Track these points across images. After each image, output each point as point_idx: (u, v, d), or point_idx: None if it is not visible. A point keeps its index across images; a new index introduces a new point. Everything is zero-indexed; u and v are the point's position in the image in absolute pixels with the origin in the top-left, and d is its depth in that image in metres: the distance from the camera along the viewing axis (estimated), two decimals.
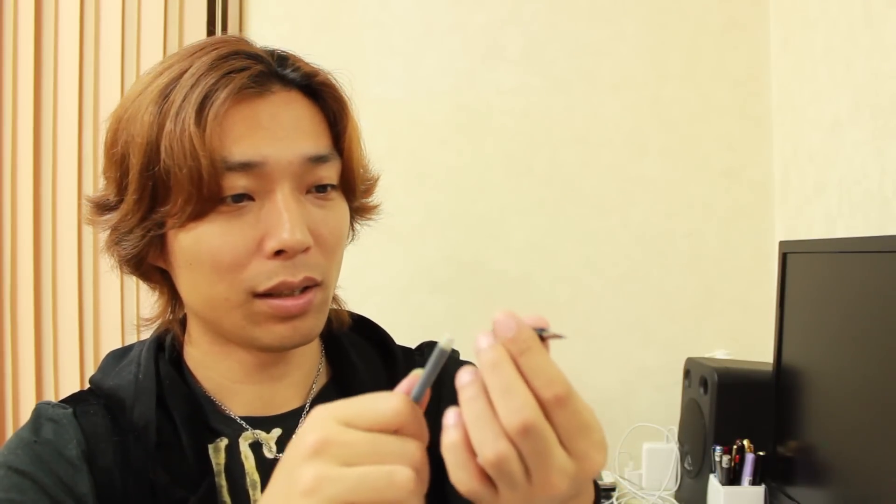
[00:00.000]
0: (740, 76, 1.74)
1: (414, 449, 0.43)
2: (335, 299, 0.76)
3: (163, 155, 0.61)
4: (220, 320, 0.66)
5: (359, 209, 0.74)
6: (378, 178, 0.76)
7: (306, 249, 0.63)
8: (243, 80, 0.62)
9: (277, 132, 0.63)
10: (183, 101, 0.61)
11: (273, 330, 0.64)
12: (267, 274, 0.62)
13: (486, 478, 0.43)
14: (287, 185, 0.63)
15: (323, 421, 0.43)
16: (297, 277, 0.63)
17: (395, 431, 0.44)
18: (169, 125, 0.61)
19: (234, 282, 0.62)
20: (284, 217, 0.61)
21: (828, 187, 1.50)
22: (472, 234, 1.74)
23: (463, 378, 0.43)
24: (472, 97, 1.74)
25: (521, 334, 0.43)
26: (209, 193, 0.61)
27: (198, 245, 0.62)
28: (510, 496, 0.43)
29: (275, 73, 0.65)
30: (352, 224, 0.75)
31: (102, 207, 0.67)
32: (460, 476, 0.43)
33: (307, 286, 0.64)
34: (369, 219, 0.76)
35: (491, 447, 0.41)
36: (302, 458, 0.42)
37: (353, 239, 0.77)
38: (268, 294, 0.63)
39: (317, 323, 0.67)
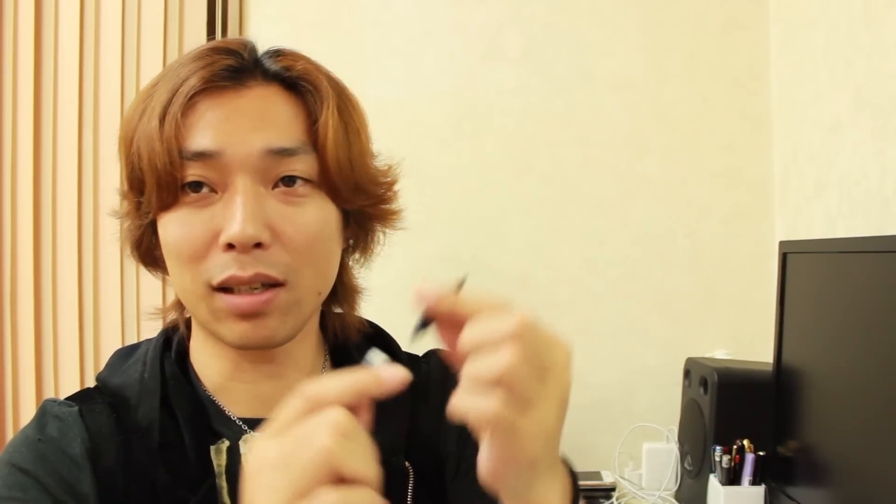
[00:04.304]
0: (740, 76, 1.74)
1: (329, 413, 0.44)
2: (341, 304, 0.75)
3: (134, 146, 0.63)
4: (194, 313, 0.66)
5: (371, 216, 0.72)
6: (394, 182, 0.72)
7: (261, 245, 0.61)
8: (212, 72, 0.62)
9: (241, 124, 0.62)
10: (160, 94, 0.63)
11: (233, 327, 0.63)
12: (220, 267, 0.61)
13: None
14: (247, 177, 0.61)
15: (256, 443, 0.46)
16: (246, 273, 0.61)
17: None
18: (144, 117, 0.63)
19: (195, 273, 0.62)
20: (237, 209, 0.60)
21: (828, 187, 1.50)
22: (472, 234, 1.74)
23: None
24: (472, 97, 1.74)
25: (444, 295, 0.47)
26: (167, 182, 0.61)
27: (166, 234, 0.63)
28: (519, 445, 0.46)
29: (251, 67, 0.65)
30: (370, 231, 0.73)
31: (122, 197, 0.69)
32: (486, 404, 0.44)
33: (269, 285, 0.62)
34: (390, 226, 0.74)
35: (495, 363, 0.44)
36: (248, 485, 0.44)
37: (370, 250, 0.74)
38: (223, 289, 0.62)
39: (282, 325, 0.64)
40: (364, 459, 0.43)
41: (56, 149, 1.68)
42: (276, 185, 0.63)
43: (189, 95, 0.61)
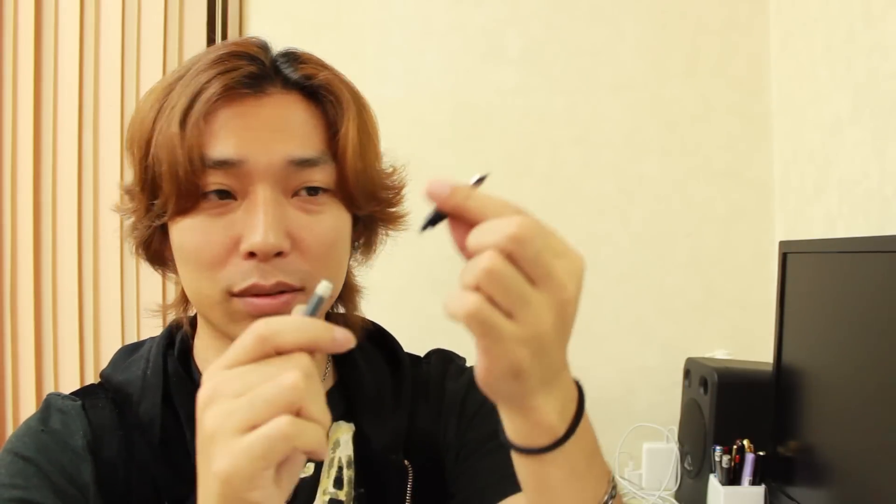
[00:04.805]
0: (740, 76, 1.74)
1: (297, 358, 0.45)
2: (345, 304, 0.76)
3: (152, 149, 0.62)
4: (208, 315, 0.66)
5: (378, 219, 0.72)
6: (403, 187, 0.73)
7: (281, 253, 0.61)
8: (234, 79, 0.62)
9: (262, 133, 0.62)
10: (178, 98, 0.62)
11: None
12: (242, 275, 0.62)
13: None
14: (268, 186, 0.62)
15: (211, 374, 0.46)
16: (268, 281, 0.61)
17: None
18: (161, 121, 0.62)
19: (214, 279, 0.62)
20: (259, 219, 0.61)
21: (828, 187, 1.51)
22: None
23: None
24: (472, 97, 1.74)
25: (457, 189, 0.45)
26: (187, 189, 0.61)
27: (182, 239, 0.63)
28: (501, 349, 0.43)
29: (271, 74, 0.64)
30: (373, 233, 0.73)
31: (128, 195, 0.69)
32: (464, 300, 0.43)
33: (284, 291, 0.63)
34: (395, 229, 0.74)
35: (473, 267, 0.42)
36: (201, 411, 0.45)
37: (373, 251, 0.75)
38: (243, 294, 0.62)
39: None
40: (322, 406, 0.45)
41: (56, 149, 1.68)
42: (295, 194, 0.64)
43: (210, 102, 0.61)
